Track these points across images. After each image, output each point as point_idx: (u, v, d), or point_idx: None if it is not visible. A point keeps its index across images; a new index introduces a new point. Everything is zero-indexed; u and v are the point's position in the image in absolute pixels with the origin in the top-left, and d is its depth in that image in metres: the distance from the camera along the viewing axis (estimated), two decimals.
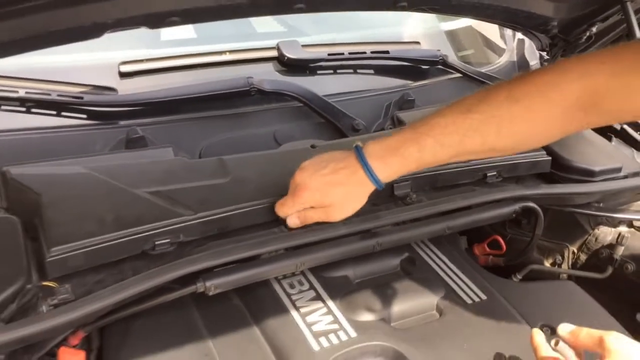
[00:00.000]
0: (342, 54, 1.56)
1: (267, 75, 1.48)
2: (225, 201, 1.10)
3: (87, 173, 1.09)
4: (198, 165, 1.20)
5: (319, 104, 1.45)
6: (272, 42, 1.56)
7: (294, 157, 1.26)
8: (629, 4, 1.47)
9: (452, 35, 1.91)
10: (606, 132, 1.67)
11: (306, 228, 1.10)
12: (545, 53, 1.90)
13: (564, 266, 1.44)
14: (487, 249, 1.36)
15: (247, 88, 1.40)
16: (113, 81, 1.38)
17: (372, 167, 0.98)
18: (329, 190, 1.01)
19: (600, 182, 1.34)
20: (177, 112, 1.37)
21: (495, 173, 1.33)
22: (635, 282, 1.32)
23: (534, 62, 1.93)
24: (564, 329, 0.83)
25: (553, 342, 0.82)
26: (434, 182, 1.28)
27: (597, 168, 1.39)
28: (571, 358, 0.81)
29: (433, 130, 0.94)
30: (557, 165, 1.40)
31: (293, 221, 1.05)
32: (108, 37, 1.06)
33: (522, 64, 1.89)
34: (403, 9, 1.35)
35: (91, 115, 1.31)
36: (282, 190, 1.14)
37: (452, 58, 1.75)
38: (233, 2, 1.11)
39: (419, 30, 1.83)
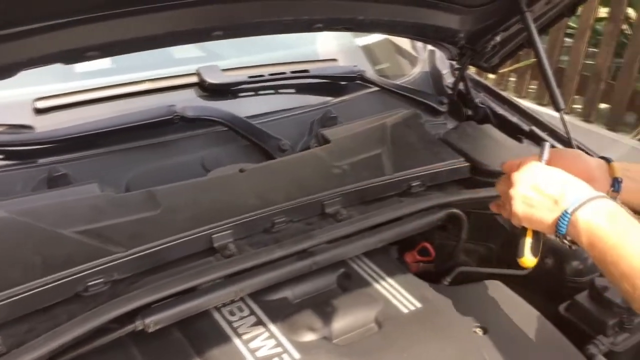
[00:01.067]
0: (263, 75, 1.58)
1: (190, 102, 1.47)
2: (158, 234, 1.09)
3: (8, 217, 1.05)
4: (126, 199, 1.18)
5: (243, 126, 1.46)
6: (192, 68, 1.56)
7: (223, 183, 1.27)
8: (528, 14, 1.57)
9: (368, 49, 1.97)
10: (516, 134, 1.77)
11: (242, 254, 1.11)
12: (455, 62, 2.00)
13: (490, 266, 1.51)
14: (417, 257, 1.41)
15: (170, 116, 1.39)
16: (29, 118, 1.33)
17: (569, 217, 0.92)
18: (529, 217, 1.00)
19: None
20: (99, 146, 1.34)
21: (419, 183, 1.38)
22: (555, 275, 1.40)
23: (445, 71, 2.02)
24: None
25: None
26: (362, 197, 1.32)
27: None
28: None
29: None
30: (475, 170, 1.48)
31: None
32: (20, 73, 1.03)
33: (434, 73, 1.98)
34: (319, 29, 1.40)
35: (8, 155, 1.26)
36: (214, 217, 1.14)
37: (370, 72, 1.81)
38: (150, 33, 1.11)
39: (336, 48, 1.88)
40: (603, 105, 3.78)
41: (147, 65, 1.57)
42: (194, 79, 1.54)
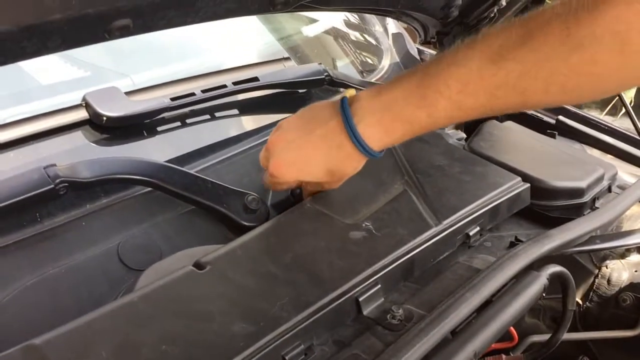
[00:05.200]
0: (193, 94, 1.00)
1: (79, 154, 0.87)
2: None
3: None
4: None
5: (179, 181, 0.87)
6: (74, 97, 0.96)
7: (170, 297, 0.69)
8: None
9: (317, 43, 1.45)
10: (541, 128, 1.32)
11: None
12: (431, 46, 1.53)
13: (573, 327, 1.03)
14: (493, 345, 0.90)
15: (51, 185, 0.78)
16: None
17: (362, 137, 0.74)
18: (308, 167, 0.79)
19: (610, 208, 0.95)
20: None
21: (478, 229, 0.88)
22: None
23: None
24: None
25: None
26: (408, 272, 0.79)
27: (584, 184, 1.02)
28: None
29: (449, 88, 0.68)
30: (536, 193, 1.00)
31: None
32: None
33: (407, 63, 1.49)
34: (284, 6, 0.85)
35: None
36: None
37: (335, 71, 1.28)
38: None
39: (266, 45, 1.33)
40: None
41: None
42: (81, 115, 0.93)
